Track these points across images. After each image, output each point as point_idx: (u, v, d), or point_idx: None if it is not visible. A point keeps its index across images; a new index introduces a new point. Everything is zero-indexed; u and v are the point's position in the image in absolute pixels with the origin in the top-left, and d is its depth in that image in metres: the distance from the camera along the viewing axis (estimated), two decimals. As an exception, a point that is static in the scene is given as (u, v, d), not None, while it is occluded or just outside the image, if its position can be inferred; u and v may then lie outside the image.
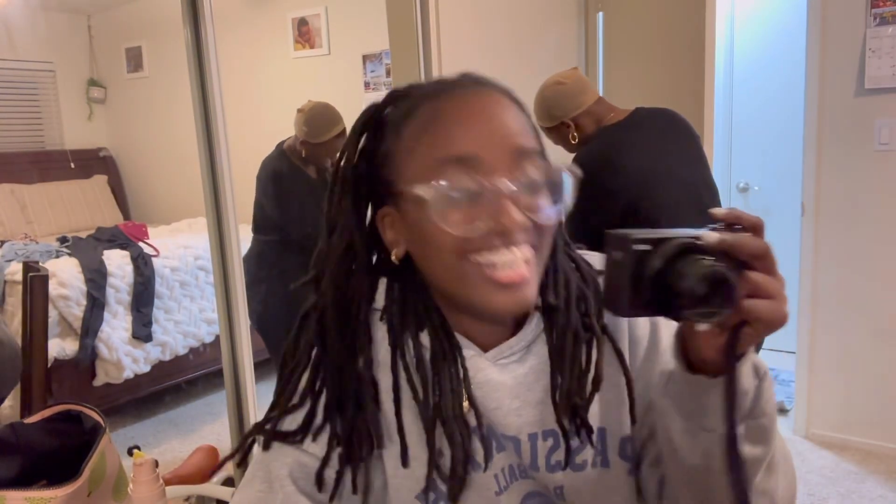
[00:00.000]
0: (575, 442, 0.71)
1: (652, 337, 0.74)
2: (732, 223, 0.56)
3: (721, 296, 0.52)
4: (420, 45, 2.51)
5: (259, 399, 2.03)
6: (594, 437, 0.71)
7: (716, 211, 0.56)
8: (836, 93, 2.80)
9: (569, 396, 0.69)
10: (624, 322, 0.73)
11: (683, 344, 0.60)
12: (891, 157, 2.73)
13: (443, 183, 0.61)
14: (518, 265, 0.62)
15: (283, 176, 2.69)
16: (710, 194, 1.89)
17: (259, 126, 4.07)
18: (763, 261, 0.54)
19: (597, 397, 0.70)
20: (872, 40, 2.69)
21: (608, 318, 0.72)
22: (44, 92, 5.04)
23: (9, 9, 4.46)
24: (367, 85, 4.17)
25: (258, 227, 2.76)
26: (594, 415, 0.71)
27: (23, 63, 4.85)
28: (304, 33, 4.34)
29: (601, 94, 2.03)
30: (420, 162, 0.63)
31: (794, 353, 2.99)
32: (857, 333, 2.86)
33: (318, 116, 2.68)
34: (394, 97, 0.69)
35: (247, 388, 1.90)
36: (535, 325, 0.72)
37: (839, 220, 2.79)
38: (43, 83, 5.03)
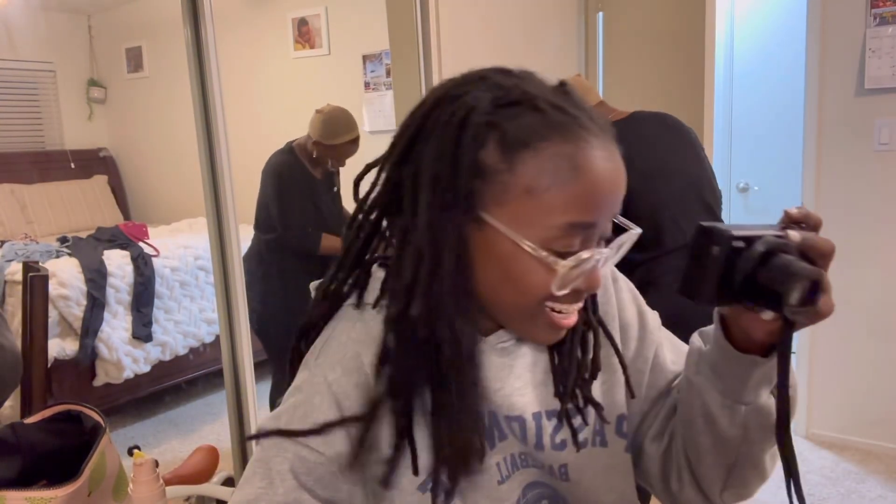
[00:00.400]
0: (578, 420, 0.73)
1: (640, 319, 0.79)
2: (800, 221, 0.61)
3: (809, 295, 0.56)
4: (420, 45, 2.51)
5: (259, 399, 2.03)
6: (592, 416, 0.74)
7: (791, 210, 0.61)
8: (836, 93, 2.80)
9: (570, 376, 0.72)
10: (614, 308, 0.78)
11: (726, 324, 0.65)
12: (891, 157, 2.73)
13: (583, 257, 0.61)
14: (576, 315, 0.68)
15: (287, 172, 2.71)
16: (713, 193, 1.89)
17: (259, 126, 4.08)
18: (828, 259, 0.58)
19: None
20: (872, 40, 2.69)
21: (600, 305, 0.76)
22: (44, 92, 5.04)
23: (9, 9, 4.46)
24: (367, 85, 4.17)
25: (259, 225, 2.77)
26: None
27: (23, 63, 4.85)
28: (304, 33, 4.34)
29: (601, 94, 2.04)
30: (540, 212, 0.60)
31: (794, 353, 2.99)
32: (857, 333, 2.86)
33: (335, 119, 2.71)
34: (501, 102, 0.62)
35: (247, 388, 1.90)
36: None
37: (839, 220, 2.79)
38: (43, 83, 5.03)
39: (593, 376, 0.74)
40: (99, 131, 5.35)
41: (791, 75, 3.52)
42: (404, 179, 0.64)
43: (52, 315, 3.00)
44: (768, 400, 0.68)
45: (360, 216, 0.70)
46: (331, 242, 2.73)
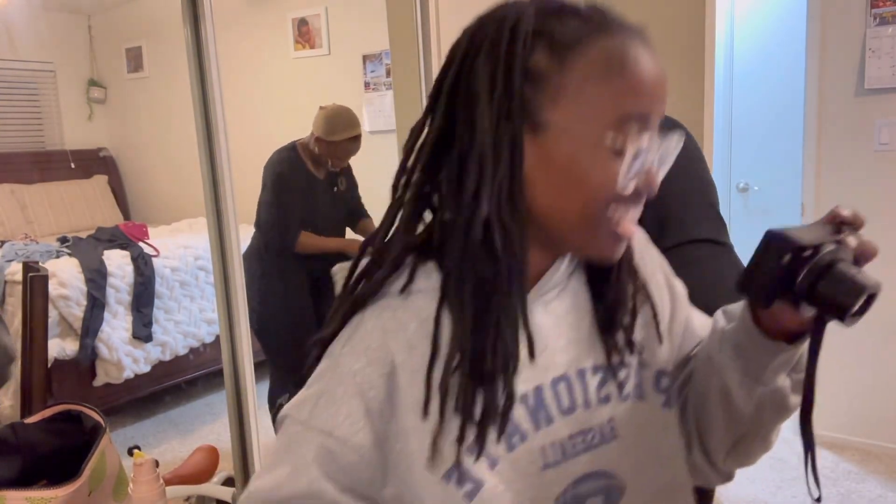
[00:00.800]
0: (623, 373, 0.74)
1: (669, 286, 0.82)
2: (850, 223, 0.64)
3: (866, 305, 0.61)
4: (420, 45, 2.51)
5: (259, 399, 2.03)
6: (634, 370, 0.75)
7: (843, 212, 0.64)
8: (836, 93, 2.80)
9: (614, 322, 0.74)
10: (646, 269, 0.79)
11: (756, 312, 0.67)
12: (891, 157, 2.73)
13: (644, 140, 0.62)
14: (635, 222, 0.68)
15: (285, 168, 2.72)
16: (715, 193, 1.90)
17: (259, 126, 4.08)
18: (870, 261, 0.63)
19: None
20: (872, 40, 2.69)
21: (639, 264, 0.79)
22: (44, 92, 5.04)
23: (9, 9, 4.46)
24: (367, 85, 4.17)
25: (258, 223, 2.77)
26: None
27: (23, 63, 4.85)
28: (304, 33, 4.34)
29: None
30: (596, 106, 0.62)
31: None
32: (858, 333, 2.84)
33: (337, 115, 2.72)
34: (545, 10, 0.65)
35: (247, 388, 1.90)
36: (567, 261, 0.74)
37: (839, 220, 2.79)
38: (43, 83, 5.03)
39: (634, 317, 0.75)
40: (99, 131, 5.35)
41: (791, 75, 3.52)
42: (458, 105, 0.66)
43: (52, 315, 3.00)
44: (784, 381, 0.70)
45: (402, 184, 0.70)
46: (311, 241, 2.73)
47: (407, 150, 0.70)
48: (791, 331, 0.66)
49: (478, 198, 0.63)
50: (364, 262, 0.71)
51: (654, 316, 0.77)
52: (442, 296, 0.66)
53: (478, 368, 0.65)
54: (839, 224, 0.64)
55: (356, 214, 2.99)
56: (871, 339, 2.83)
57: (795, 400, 0.71)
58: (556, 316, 0.73)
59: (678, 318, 0.81)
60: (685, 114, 1.98)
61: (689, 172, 1.82)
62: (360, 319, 0.69)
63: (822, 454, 2.86)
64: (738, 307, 0.70)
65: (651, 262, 0.81)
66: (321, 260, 2.74)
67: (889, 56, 2.67)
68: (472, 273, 0.65)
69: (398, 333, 0.67)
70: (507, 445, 0.67)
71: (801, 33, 2.87)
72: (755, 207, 4.02)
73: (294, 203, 2.70)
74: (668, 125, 0.65)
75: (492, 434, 0.66)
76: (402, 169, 0.70)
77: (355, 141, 2.75)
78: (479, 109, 0.63)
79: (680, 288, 0.83)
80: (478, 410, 0.65)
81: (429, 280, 0.68)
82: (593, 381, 0.73)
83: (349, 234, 3.02)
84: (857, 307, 0.60)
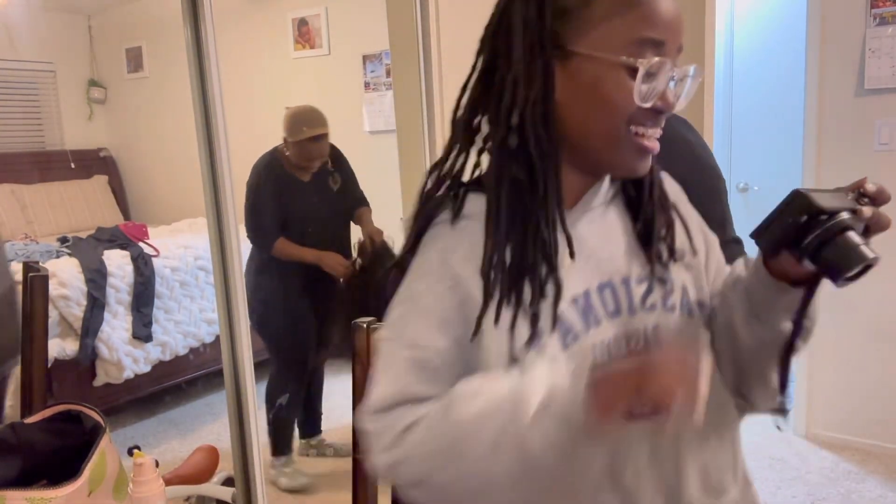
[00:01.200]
0: (668, 286, 0.81)
1: (702, 230, 0.90)
2: (872, 197, 0.70)
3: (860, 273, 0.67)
4: (420, 45, 2.51)
5: (259, 399, 2.04)
6: (679, 286, 0.82)
7: (869, 186, 0.70)
8: (836, 93, 2.80)
9: (652, 234, 0.82)
10: (683, 209, 0.88)
11: (767, 259, 0.74)
12: (891, 157, 2.73)
13: (655, 59, 0.71)
14: (657, 139, 0.77)
15: (263, 172, 2.73)
16: (724, 183, 1.94)
17: (259, 126, 4.07)
18: (881, 232, 0.71)
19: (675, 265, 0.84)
20: (872, 40, 2.69)
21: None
22: (44, 92, 5.04)
23: (9, 9, 4.46)
24: (367, 85, 4.17)
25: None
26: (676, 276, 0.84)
27: (23, 63, 4.85)
28: (304, 33, 4.34)
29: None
30: (616, 34, 0.72)
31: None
32: (857, 333, 2.86)
33: (297, 115, 2.71)
34: None
35: (247, 388, 1.90)
36: (606, 183, 0.83)
37: (839, 220, 2.79)
38: (43, 83, 5.03)
39: (671, 229, 0.84)
40: (99, 131, 5.35)
41: (791, 75, 3.52)
42: (499, 42, 0.76)
43: (52, 315, 3.00)
44: (786, 325, 0.77)
45: (456, 121, 0.80)
46: (287, 249, 2.71)
47: (461, 92, 0.80)
48: (796, 278, 0.74)
49: (512, 111, 0.74)
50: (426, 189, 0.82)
51: (682, 222, 0.86)
52: (488, 207, 0.76)
53: (521, 261, 0.74)
54: (861, 195, 0.70)
55: (355, 205, 2.97)
56: (871, 339, 2.83)
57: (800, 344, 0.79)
58: (599, 230, 0.81)
59: (712, 258, 0.88)
60: (685, 114, 1.98)
61: (713, 169, 1.85)
62: (422, 246, 0.79)
63: (822, 454, 2.87)
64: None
65: (686, 207, 0.90)
66: (298, 264, 2.73)
67: (889, 56, 2.67)
68: (509, 177, 0.74)
69: (455, 251, 0.76)
70: (563, 343, 0.74)
71: (801, 33, 2.87)
72: (755, 207, 4.02)
73: (268, 209, 2.69)
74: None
75: (546, 325, 0.73)
76: (457, 107, 0.80)
77: (318, 140, 2.71)
78: (514, 41, 0.74)
79: (713, 237, 0.90)
80: (527, 299, 0.73)
81: (476, 206, 0.77)
82: (638, 289, 0.80)
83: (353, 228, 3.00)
84: (852, 275, 0.67)
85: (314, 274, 2.74)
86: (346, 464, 1.47)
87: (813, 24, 2.81)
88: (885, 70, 2.68)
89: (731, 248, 1.37)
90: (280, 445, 2.87)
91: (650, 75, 0.71)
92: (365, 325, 1.29)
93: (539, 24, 0.73)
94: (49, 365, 2.59)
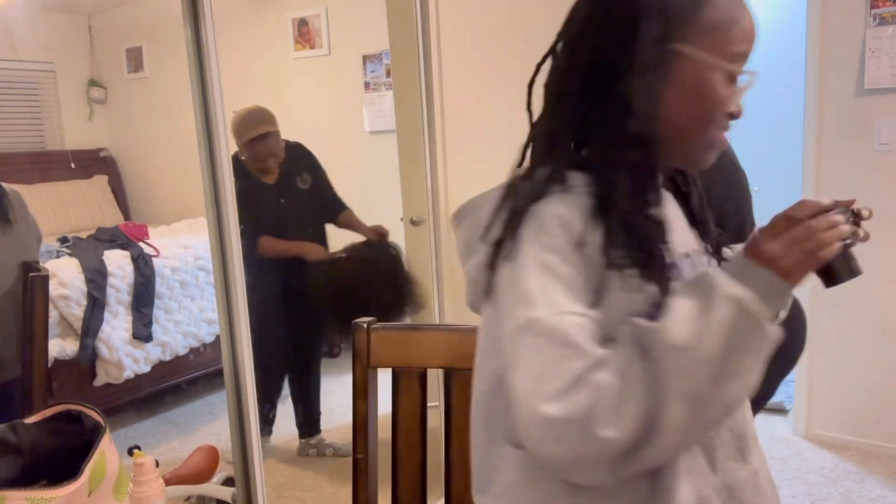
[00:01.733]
0: (723, 259, 0.93)
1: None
2: (862, 217, 0.85)
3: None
4: (420, 45, 2.51)
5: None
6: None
7: (862, 210, 0.86)
8: (836, 93, 2.80)
9: (696, 215, 0.95)
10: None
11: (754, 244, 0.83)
12: (891, 157, 2.73)
13: (754, 72, 0.84)
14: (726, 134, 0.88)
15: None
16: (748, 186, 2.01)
17: (259, 126, 4.07)
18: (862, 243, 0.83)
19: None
20: (872, 40, 2.69)
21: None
22: (44, 92, 5.04)
23: (9, 9, 4.46)
24: (367, 85, 4.17)
25: None
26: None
27: (23, 63, 4.84)
28: (304, 33, 4.34)
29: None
30: (721, 43, 0.82)
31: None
32: (857, 333, 2.86)
33: (240, 118, 2.71)
34: None
35: (247, 388, 1.90)
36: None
37: (839, 220, 2.79)
38: (43, 83, 5.03)
39: (709, 214, 0.97)
40: (99, 131, 5.35)
41: (791, 75, 3.52)
42: (610, 38, 0.84)
43: (53, 315, 3.00)
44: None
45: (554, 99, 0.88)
46: (270, 245, 2.71)
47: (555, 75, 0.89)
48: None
49: (633, 100, 0.80)
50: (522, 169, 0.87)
51: (701, 213, 0.96)
52: (598, 185, 0.82)
53: (638, 233, 0.80)
54: (855, 215, 0.83)
55: (333, 208, 2.96)
56: (870, 339, 2.83)
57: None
58: (671, 211, 0.89)
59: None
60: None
61: (735, 167, 1.90)
62: (534, 215, 0.81)
63: (821, 454, 2.87)
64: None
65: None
66: (285, 263, 2.73)
67: (889, 56, 2.67)
68: (625, 159, 0.81)
69: (573, 216, 0.80)
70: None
71: (801, 33, 2.87)
72: (755, 207, 4.01)
73: (242, 214, 2.71)
74: None
75: (667, 286, 0.79)
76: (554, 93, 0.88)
77: (264, 139, 2.70)
78: (641, 32, 0.81)
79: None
80: (648, 263, 0.79)
81: (579, 181, 0.83)
82: (704, 260, 0.91)
83: (331, 229, 2.99)
84: (842, 282, 0.79)
85: (284, 278, 2.75)
86: (346, 464, 1.47)
87: (813, 24, 2.81)
88: (885, 70, 2.68)
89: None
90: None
91: (742, 84, 0.84)
92: (365, 325, 1.28)
93: (661, 20, 0.81)
94: (49, 365, 2.59)
